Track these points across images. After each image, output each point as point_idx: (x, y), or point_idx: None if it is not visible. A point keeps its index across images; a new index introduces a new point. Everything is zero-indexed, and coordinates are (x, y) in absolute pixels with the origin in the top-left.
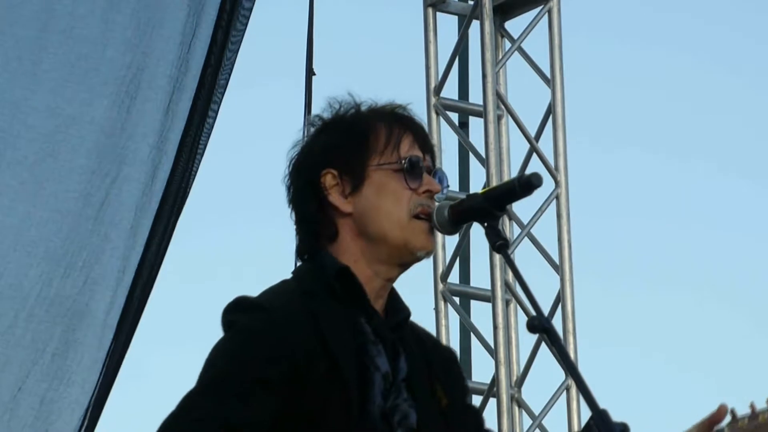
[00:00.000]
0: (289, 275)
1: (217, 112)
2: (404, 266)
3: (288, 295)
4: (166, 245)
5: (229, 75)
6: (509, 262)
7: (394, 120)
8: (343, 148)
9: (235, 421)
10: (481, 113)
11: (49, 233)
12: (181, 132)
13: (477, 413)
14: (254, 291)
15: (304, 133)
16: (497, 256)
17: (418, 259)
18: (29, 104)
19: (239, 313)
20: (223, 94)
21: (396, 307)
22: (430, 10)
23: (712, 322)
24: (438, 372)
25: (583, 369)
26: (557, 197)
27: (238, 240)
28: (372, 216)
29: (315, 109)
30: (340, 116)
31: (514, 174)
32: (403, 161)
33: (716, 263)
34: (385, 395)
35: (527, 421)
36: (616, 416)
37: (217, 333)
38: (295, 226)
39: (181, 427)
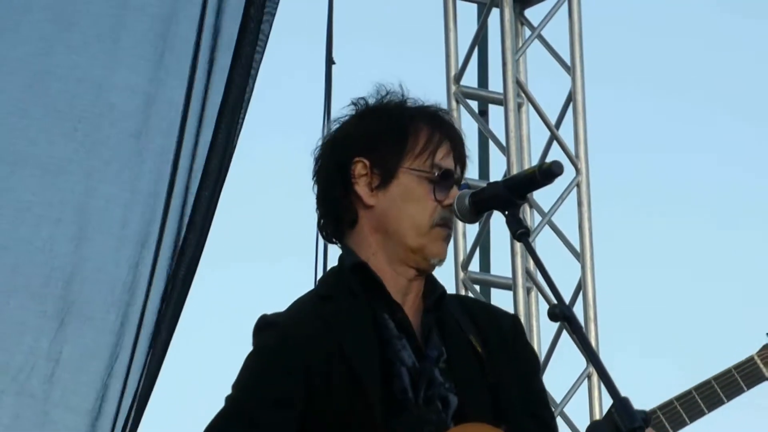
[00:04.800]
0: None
1: (252, 89)
2: (419, 270)
3: (304, 305)
4: (207, 229)
5: (264, 50)
6: (530, 250)
7: (437, 125)
8: (381, 141)
9: None
10: (502, 101)
11: (133, 215)
12: (215, 115)
13: (536, 395)
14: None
15: (324, 122)
16: (518, 244)
17: (430, 267)
18: (111, 83)
19: (257, 335)
20: (257, 69)
21: (430, 289)
22: None
23: (737, 309)
24: (492, 346)
25: (604, 357)
26: (578, 185)
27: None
28: (393, 216)
29: (335, 98)
30: (384, 105)
31: (535, 162)
32: (436, 172)
33: (742, 249)
34: (414, 388)
35: None
36: (637, 404)
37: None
38: (316, 202)
39: None
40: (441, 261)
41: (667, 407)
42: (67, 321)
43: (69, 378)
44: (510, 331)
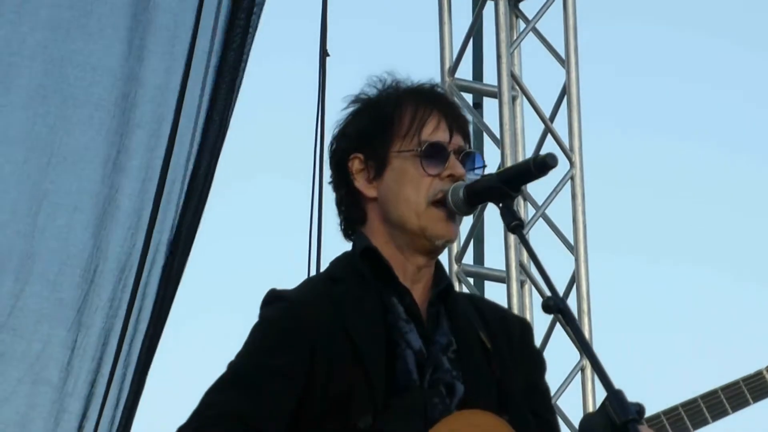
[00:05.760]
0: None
1: (240, 85)
2: (428, 253)
3: (314, 284)
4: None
5: (251, 43)
6: (524, 243)
7: (421, 100)
8: (370, 133)
9: (253, 414)
10: (496, 94)
11: (141, 204)
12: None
13: (541, 397)
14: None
15: (318, 115)
16: (512, 237)
17: (437, 248)
18: (123, 72)
19: (263, 307)
20: (244, 69)
21: (438, 280)
22: None
23: (729, 298)
24: (500, 344)
25: (597, 349)
26: (572, 178)
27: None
28: (392, 202)
29: (329, 90)
30: (375, 98)
31: (529, 155)
32: (423, 147)
33: (732, 239)
34: (420, 371)
35: None
36: (631, 396)
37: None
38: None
39: (200, 424)
40: (448, 241)
41: (671, 413)
42: (82, 309)
43: (84, 366)
44: (519, 335)
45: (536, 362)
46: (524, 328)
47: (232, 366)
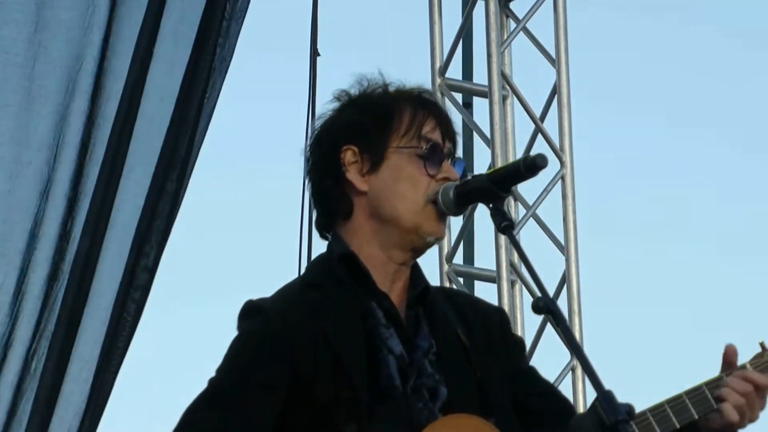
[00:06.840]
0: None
1: (219, 91)
2: (415, 251)
3: (292, 291)
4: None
5: (233, 49)
6: (514, 243)
7: (419, 103)
8: (366, 126)
9: (233, 431)
10: (486, 93)
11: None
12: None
13: (529, 374)
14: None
15: (308, 114)
16: (502, 237)
17: (428, 245)
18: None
19: (242, 320)
20: (226, 71)
21: (416, 282)
22: None
23: (722, 292)
24: (479, 340)
25: (588, 350)
26: (562, 178)
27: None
28: (387, 197)
29: (320, 90)
30: (367, 94)
31: (519, 155)
32: (424, 147)
33: (728, 234)
34: (403, 376)
35: None
36: (621, 397)
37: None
38: (311, 199)
39: None
40: (437, 239)
41: (640, 417)
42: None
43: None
44: (497, 326)
45: (516, 348)
46: (502, 317)
47: (212, 383)
